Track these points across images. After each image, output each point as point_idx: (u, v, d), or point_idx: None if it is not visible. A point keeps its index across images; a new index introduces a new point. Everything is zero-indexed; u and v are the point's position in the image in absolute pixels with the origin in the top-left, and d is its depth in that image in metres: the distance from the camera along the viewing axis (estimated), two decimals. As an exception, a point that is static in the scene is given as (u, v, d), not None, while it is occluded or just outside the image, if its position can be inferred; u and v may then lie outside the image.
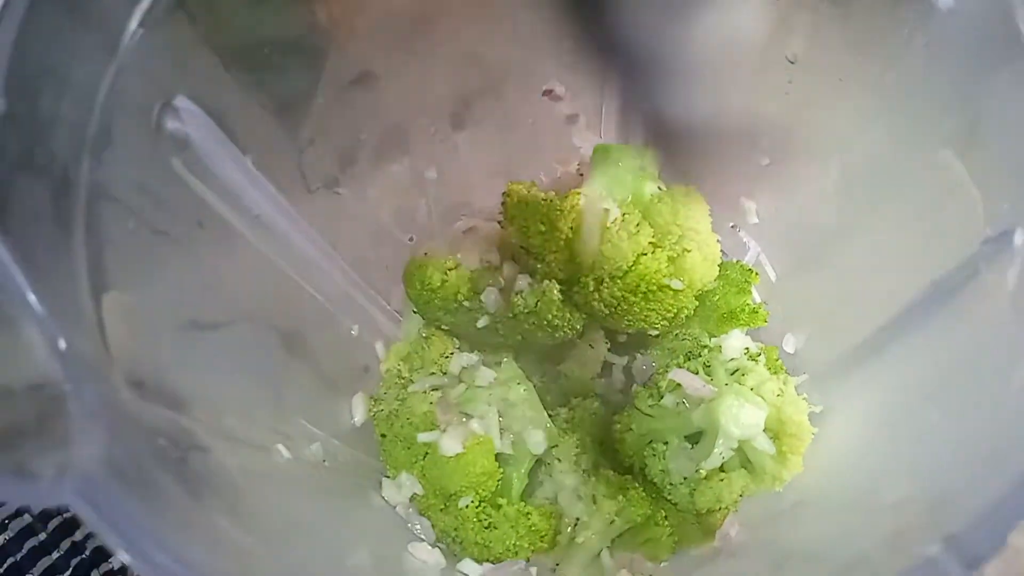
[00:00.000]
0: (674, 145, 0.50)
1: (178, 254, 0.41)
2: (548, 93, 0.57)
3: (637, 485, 0.54)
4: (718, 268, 0.55)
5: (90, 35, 0.34)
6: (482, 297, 0.53)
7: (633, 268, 0.51)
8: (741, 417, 0.48)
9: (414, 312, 0.60)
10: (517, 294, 0.53)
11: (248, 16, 0.42)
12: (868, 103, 0.45)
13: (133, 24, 0.36)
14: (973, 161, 0.37)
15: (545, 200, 0.51)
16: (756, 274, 0.59)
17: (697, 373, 0.53)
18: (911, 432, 0.39)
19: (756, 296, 0.60)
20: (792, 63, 0.47)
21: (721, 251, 0.55)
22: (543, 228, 0.50)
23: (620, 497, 0.53)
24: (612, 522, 0.53)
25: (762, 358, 0.55)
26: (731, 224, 0.61)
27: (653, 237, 0.51)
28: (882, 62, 0.42)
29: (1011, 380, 0.29)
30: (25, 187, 0.32)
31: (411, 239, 0.62)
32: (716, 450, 0.48)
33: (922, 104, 0.41)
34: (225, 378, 0.43)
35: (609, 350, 0.61)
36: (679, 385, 0.53)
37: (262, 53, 0.44)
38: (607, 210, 0.50)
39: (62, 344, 0.28)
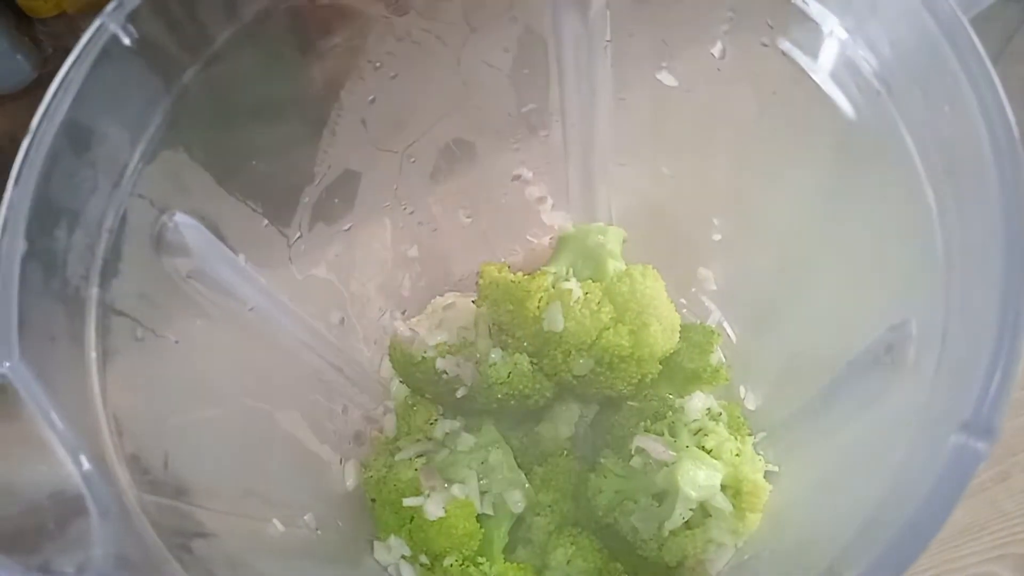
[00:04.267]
0: None
1: (179, 353, 0.45)
2: (517, 178, 0.62)
3: (604, 542, 0.58)
4: (679, 333, 0.59)
5: (97, 173, 0.39)
6: (459, 370, 0.58)
7: (597, 342, 0.55)
8: (698, 480, 0.52)
9: (400, 381, 0.65)
10: (491, 366, 0.57)
11: (236, 137, 0.47)
12: (797, 191, 0.50)
13: (135, 158, 0.41)
14: (877, 251, 0.42)
15: (514, 281, 0.55)
16: (719, 335, 0.64)
17: (662, 434, 0.57)
18: (833, 501, 0.43)
19: (721, 356, 0.64)
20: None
21: (687, 312, 0.59)
22: (511, 307, 0.55)
23: (590, 554, 0.56)
24: (584, 577, 0.57)
25: (723, 417, 0.59)
26: (692, 289, 0.65)
27: (614, 313, 0.56)
28: (804, 159, 0.47)
29: (893, 455, 0.33)
30: (44, 312, 0.36)
31: (403, 312, 0.67)
32: (677, 511, 0.52)
33: (840, 197, 0.46)
34: (222, 460, 0.48)
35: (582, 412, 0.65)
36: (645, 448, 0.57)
37: (250, 165, 0.49)
38: (570, 290, 0.55)
39: (83, 460, 0.33)
